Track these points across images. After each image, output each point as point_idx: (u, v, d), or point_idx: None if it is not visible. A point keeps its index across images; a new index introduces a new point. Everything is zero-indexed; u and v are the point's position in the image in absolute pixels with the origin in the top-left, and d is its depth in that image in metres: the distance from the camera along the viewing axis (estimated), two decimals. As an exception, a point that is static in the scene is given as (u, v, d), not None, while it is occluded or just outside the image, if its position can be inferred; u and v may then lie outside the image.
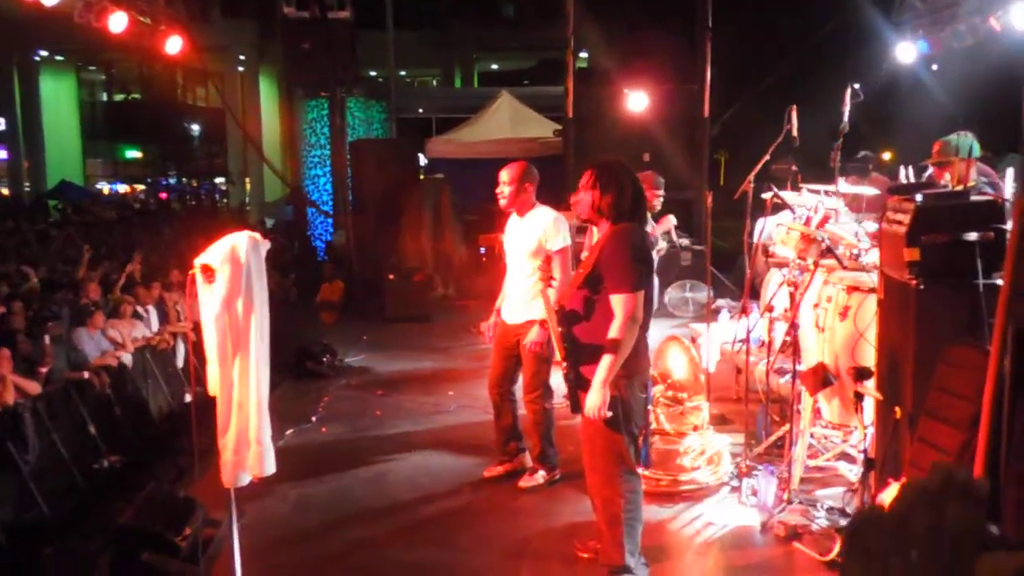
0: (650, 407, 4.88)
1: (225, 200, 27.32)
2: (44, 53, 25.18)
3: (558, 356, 3.42)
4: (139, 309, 7.66)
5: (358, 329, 9.46)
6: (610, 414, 3.28)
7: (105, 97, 30.20)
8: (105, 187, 29.19)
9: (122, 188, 29.78)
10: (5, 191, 26.54)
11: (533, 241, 4.48)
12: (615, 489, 3.42)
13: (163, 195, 27.89)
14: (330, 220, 15.15)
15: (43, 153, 25.30)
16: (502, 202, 4.60)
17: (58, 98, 26.17)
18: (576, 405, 3.39)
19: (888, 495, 2.73)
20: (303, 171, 16.90)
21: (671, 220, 5.85)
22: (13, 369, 5.63)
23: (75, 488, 5.61)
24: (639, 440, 3.62)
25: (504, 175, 4.57)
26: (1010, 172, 4.57)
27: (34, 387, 5.72)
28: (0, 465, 5.15)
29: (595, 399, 3.26)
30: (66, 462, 5.67)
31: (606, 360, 3.25)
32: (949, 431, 3.03)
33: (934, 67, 9.51)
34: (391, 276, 10.17)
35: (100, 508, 5.24)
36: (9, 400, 5.44)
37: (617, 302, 3.29)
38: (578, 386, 3.37)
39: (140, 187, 30.08)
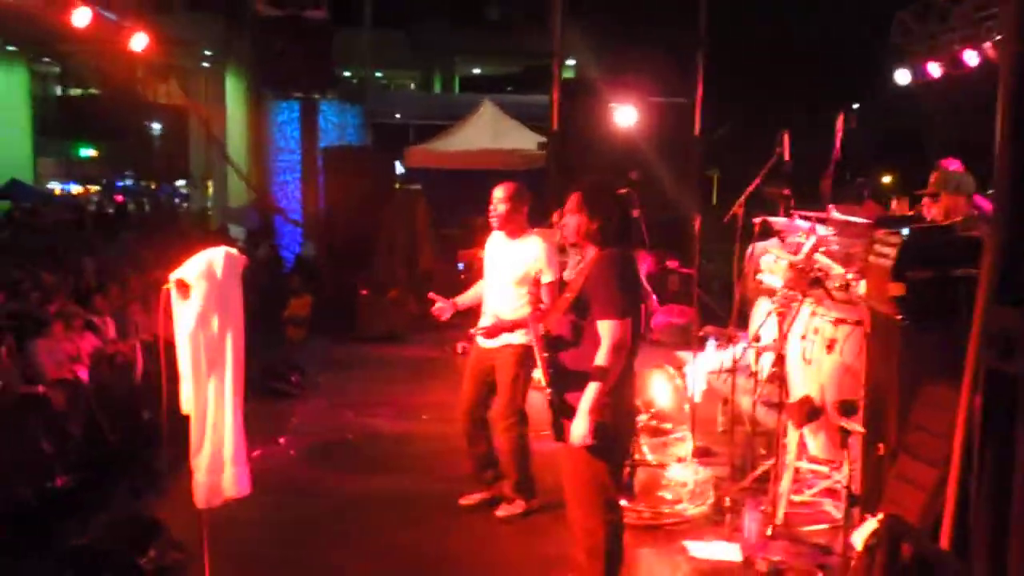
0: (635, 437, 5.03)
1: (185, 204, 27.27)
2: (-6, 43, 25.04)
3: (543, 382, 3.57)
4: (95, 320, 7.70)
5: (327, 346, 9.56)
6: (595, 442, 3.43)
7: (59, 92, 30.07)
8: (57, 187, 29.00)
9: (75, 189, 29.62)
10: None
11: (522, 269, 4.54)
12: (597, 520, 3.53)
13: (119, 197, 27.76)
14: (299, 230, 15.23)
15: (-10, 150, 25.11)
16: (494, 221, 4.71)
17: (8, 92, 25.96)
18: (560, 433, 3.49)
19: (862, 533, 2.91)
20: (271, 177, 16.96)
21: None
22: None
23: (26, 508, 5.65)
24: (623, 470, 3.76)
25: (499, 192, 4.68)
26: None
27: (-16, 401, 5.78)
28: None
29: (581, 427, 3.38)
30: (16, 481, 5.72)
31: (592, 387, 3.38)
32: (925, 468, 3.23)
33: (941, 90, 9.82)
34: (364, 291, 10.27)
35: (53, 529, 5.29)
36: (-42, 414, 5.50)
37: (604, 328, 3.43)
38: (562, 413, 3.47)
39: (94, 188, 29.92)
